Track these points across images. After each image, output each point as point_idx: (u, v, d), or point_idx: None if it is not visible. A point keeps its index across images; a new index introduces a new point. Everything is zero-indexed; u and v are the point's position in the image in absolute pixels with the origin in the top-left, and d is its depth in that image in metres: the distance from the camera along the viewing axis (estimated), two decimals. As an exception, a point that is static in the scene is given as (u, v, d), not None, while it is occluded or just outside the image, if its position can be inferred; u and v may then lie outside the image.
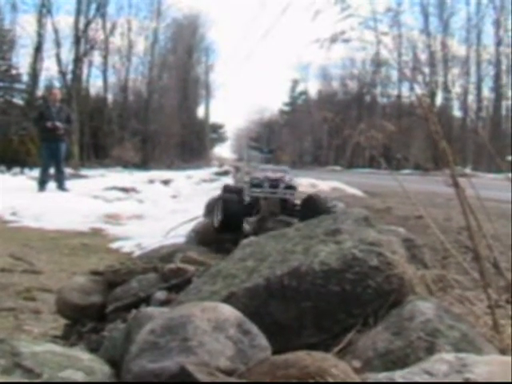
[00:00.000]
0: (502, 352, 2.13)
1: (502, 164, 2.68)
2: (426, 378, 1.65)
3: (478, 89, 56.97)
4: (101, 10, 52.55)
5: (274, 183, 5.92)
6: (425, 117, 2.57)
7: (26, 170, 30.40)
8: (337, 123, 2.77)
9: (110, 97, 58.69)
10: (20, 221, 10.75)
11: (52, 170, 16.28)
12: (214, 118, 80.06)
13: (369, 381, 1.77)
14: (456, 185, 2.48)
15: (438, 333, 2.09)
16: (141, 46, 59.51)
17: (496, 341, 2.22)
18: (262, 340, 2.05)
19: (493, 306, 2.40)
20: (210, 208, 6.76)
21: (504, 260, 2.53)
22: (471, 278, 2.75)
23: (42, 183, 15.93)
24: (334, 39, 2.70)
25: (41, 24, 50.03)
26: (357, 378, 1.80)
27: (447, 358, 1.73)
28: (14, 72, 52.03)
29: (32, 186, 16.47)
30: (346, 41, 2.74)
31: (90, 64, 55.02)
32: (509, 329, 2.33)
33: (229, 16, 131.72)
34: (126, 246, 8.27)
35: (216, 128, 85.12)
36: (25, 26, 50.41)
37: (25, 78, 52.81)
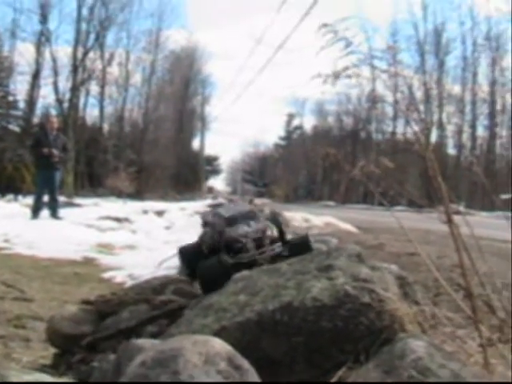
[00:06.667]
0: (493, 392, 2.12)
1: (498, 201, 2.69)
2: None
3: (473, 127, 57.33)
4: (99, 40, 52.90)
5: (258, 242, 5.35)
6: (421, 154, 2.58)
7: (20, 197, 30.39)
8: (338, 159, 2.78)
9: (106, 126, 58.99)
10: (12, 248, 10.71)
11: (46, 198, 16.27)
12: (208, 150, 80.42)
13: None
14: (450, 221, 2.49)
15: (429, 372, 2.08)
16: (138, 76, 60.01)
17: (487, 380, 2.21)
18: (253, 375, 2.04)
19: (484, 344, 2.39)
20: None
21: (496, 298, 2.54)
22: (463, 315, 2.75)
23: (36, 210, 15.90)
24: (337, 75, 2.72)
25: (39, 52, 50.38)
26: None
27: (438, 398, 1.72)
28: (10, 99, 52.28)
29: (25, 213, 16.45)
30: (349, 77, 2.76)
31: (87, 93, 55.38)
32: (500, 368, 2.32)
33: (226, 50, 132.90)
34: (118, 276, 8.23)
35: (211, 160, 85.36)
36: (23, 54, 50.73)
37: (21, 104, 53.13)
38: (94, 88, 55.99)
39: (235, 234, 5.24)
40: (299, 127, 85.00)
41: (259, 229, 5.31)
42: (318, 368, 2.39)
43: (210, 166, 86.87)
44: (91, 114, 58.47)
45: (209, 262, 5.14)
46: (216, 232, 5.47)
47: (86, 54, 51.43)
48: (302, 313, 2.46)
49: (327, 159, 2.77)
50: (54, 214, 15.95)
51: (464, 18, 57.67)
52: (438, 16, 58.56)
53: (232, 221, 5.42)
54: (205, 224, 5.89)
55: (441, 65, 57.60)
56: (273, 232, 5.42)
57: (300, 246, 5.44)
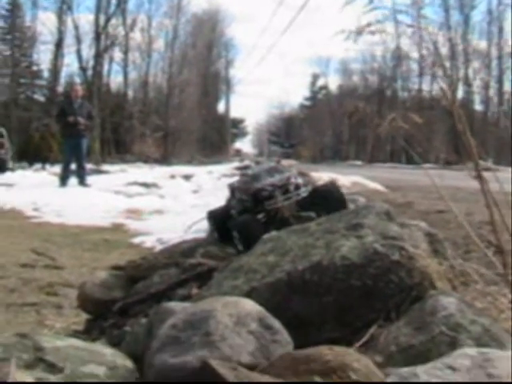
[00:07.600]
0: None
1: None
2: (449, 373, 1.64)
3: (500, 82, 56.66)
4: (121, 6, 52.71)
5: (284, 188, 5.56)
6: (449, 109, 2.55)
7: (48, 166, 30.56)
8: (367, 114, 2.76)
9: (130, 93, 58.95)
10: (42, 216, 10.81)
11: (73, 166, 16.33)
12: (234, 113, 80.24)
13: (391, 376, 1.76)
14: (480, 177, 2.47)
15: (460, 328, 2.08)
16: (161, 41, 59.79)
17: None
18: (284, 335, 2.04)
19: (516, 300, 2.38)
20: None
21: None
22: (494, 272, 2.73)
23: (64, 179, 15.98)
24: (360, 31, 2.68)
25: (61, 21, 50.32)
26: (379, 373, 1.80)
27: (470, 353, 1.71)
28: (34, 68, 52.46)
29: (53, 182, 16.57)
30: (373, 33, 2.72)
31: (111, 60, 55.34)
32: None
33: (247, 12, 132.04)
34: (148, 241, 8.27)
35: (236, 123, 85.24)
36: (45, 23, 50.71)
37: (46, 74, 53.32)
38: (117, 54, 56.00)
39: (260, 185, 5.36)
40: (324, 87, 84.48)
41: (283, 177, 5.44)
42: (349, 326, 2.39)
43: (236, 128, 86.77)
44: (115, 80, 58.58)
45: (242, 218, 5.22)
46: (242, 190, 5.54)
47: (108, 20, 51.26)
48: (332, 272, 2.45)
49: (355, 114, 2.74)
50: (82, 182, 16.04)
51: (489, -30, 56.88)
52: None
53: (257, 176, 5.52)
54: (232, 192, 5.94)
55: (466, 20, 56.83)
56: (297, 179, 5.54)
57: (323, 191, 5.57)
